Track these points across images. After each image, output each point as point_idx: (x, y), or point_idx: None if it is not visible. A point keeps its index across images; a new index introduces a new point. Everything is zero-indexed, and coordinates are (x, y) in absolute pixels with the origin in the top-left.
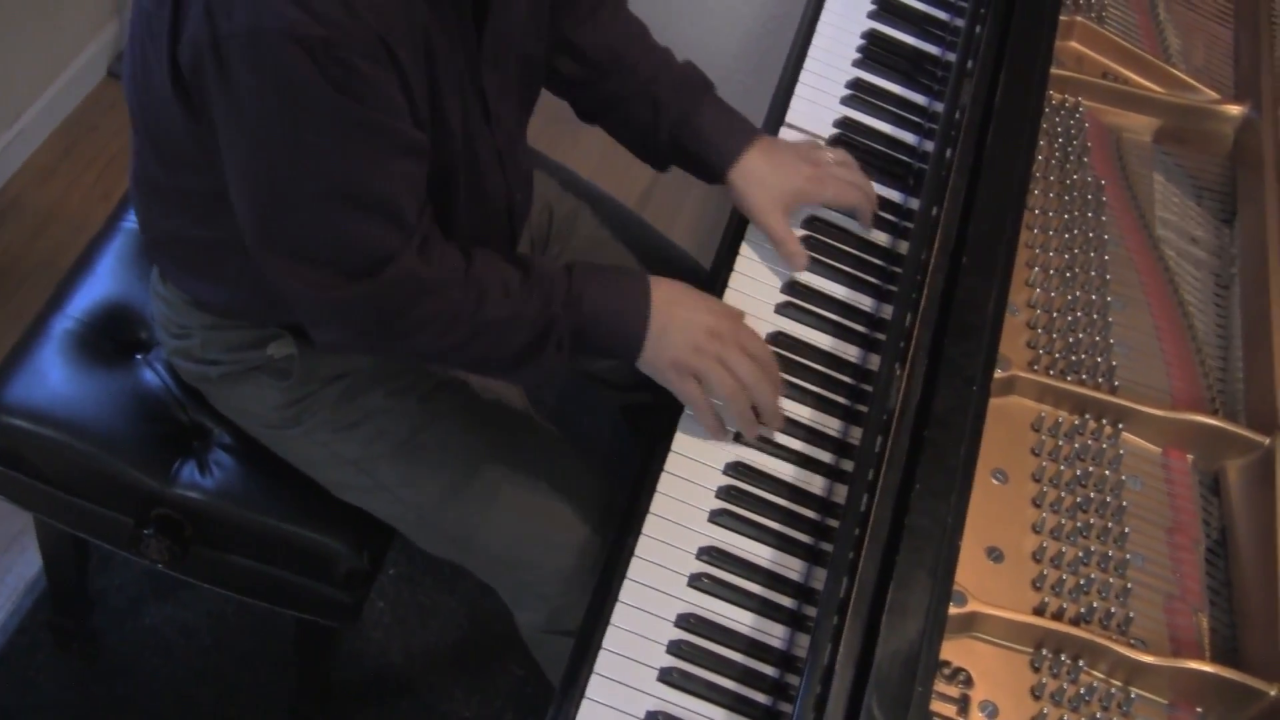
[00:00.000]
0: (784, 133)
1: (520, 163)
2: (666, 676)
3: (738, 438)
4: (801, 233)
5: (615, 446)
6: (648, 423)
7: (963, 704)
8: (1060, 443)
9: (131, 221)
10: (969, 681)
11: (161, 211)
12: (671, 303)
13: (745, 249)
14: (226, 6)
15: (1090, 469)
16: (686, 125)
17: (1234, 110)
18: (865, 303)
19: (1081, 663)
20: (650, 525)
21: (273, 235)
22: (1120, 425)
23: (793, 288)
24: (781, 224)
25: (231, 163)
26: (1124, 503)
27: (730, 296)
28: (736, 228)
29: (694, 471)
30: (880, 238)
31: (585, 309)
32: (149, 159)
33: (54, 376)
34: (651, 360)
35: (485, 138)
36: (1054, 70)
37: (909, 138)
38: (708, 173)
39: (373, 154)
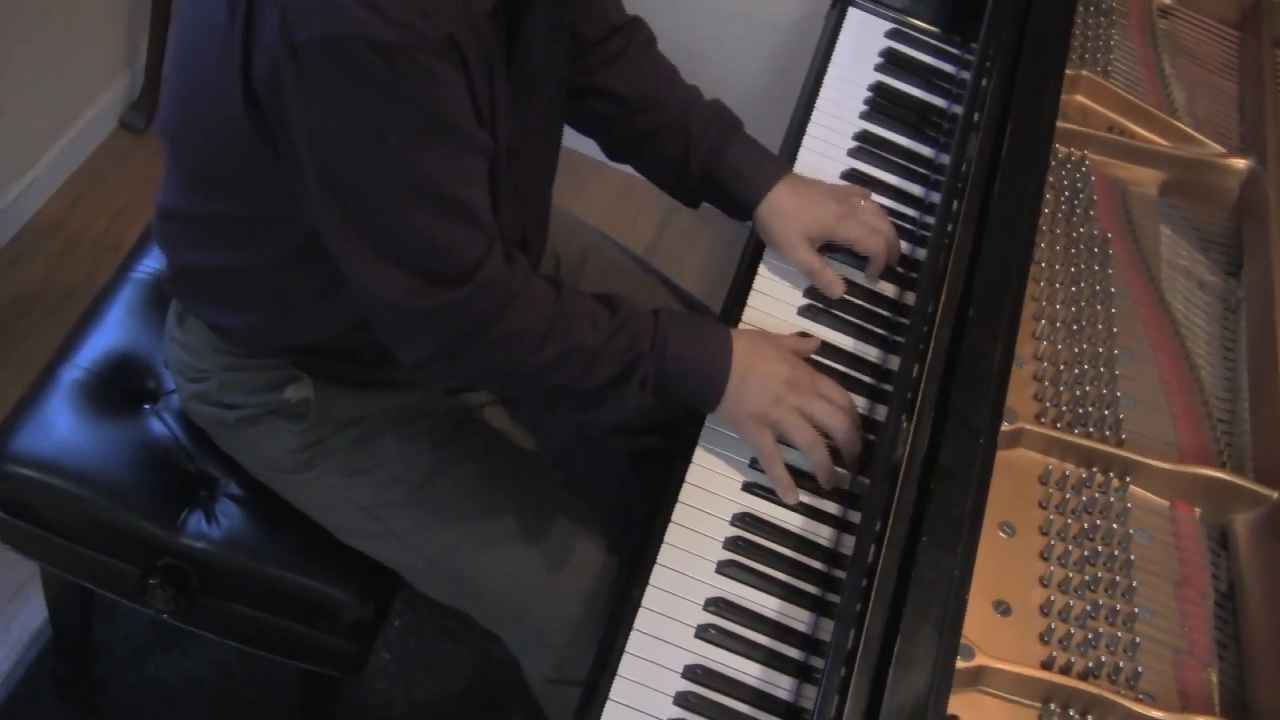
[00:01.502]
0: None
1: (538, 203)
2: None
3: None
4: (807, 285)
5: (622, 493)
6: (655, 469)
7: None
8: (1067, 496)
9: (141, 271)
10: None
11: (190, 242)
12: (751, 353)
13: (752, 298)
14: (302, 18)
15: (1098, 522)
16: (717, 160)
17: (1239, 163)
18: (872, 354)
19: (1090, 717)
20: (657, 576)
21: (365, 243)
22: (1127, 478)
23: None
24: (809, 254)
25: (312, 174)
26: (1132, 556)
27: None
28: (743, 277)
29: (701, 522)
30: (887, 289)
31: (669, 353)
32: (186, 189)
33: (61, 426)
34: (729, 410)
35: (506, 171)
36: (1060, 124)
37: (916, 189)
38: (737, 208)
39: (453, 156)
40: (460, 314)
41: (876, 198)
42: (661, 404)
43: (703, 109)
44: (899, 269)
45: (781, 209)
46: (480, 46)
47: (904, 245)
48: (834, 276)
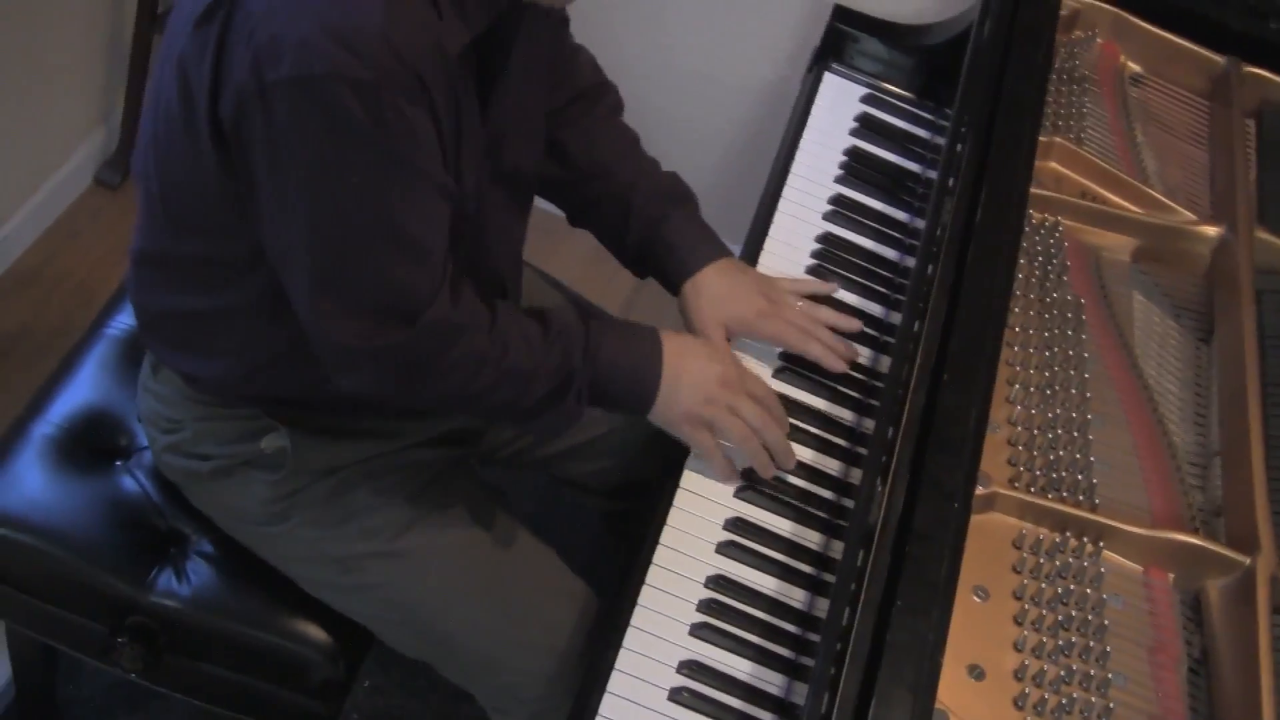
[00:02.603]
0: (768, 245)
1: (513, 253)
2: None
3: (748, 476)
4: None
5: (594, 551)
6: (627, 530)
7: None
8: (1041, 560)
9: (114, 327)
10: None
11: (164, 286)
12: (682, 355)
13: None
14: (274, 55)
15: (1071, 587)
16: (653, 232)
17: (1210, 231)
18: (847, 417)
19: None
20: (630, 639)
21: (317, 281)
22: (1101, 543)
23: None
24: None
25: (274, 213)
26: (1105, 621)
27: None
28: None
29: (675, 584)
30: (862, 353)
31: (602, 362)
32: (158, 231)
33: (31, 482)
34: (664, 412)
35: (482, 219)
36: (1033, 190)
37: (890, 254)
38: (667, 282)
39: (414, 197)
40: (404, 352)
41: (850, 259)
42: (600, 408)
43: (652, 181)
44: (873, 333)
45: (704, 291)
46: (448, 88)
47: (879, 311)
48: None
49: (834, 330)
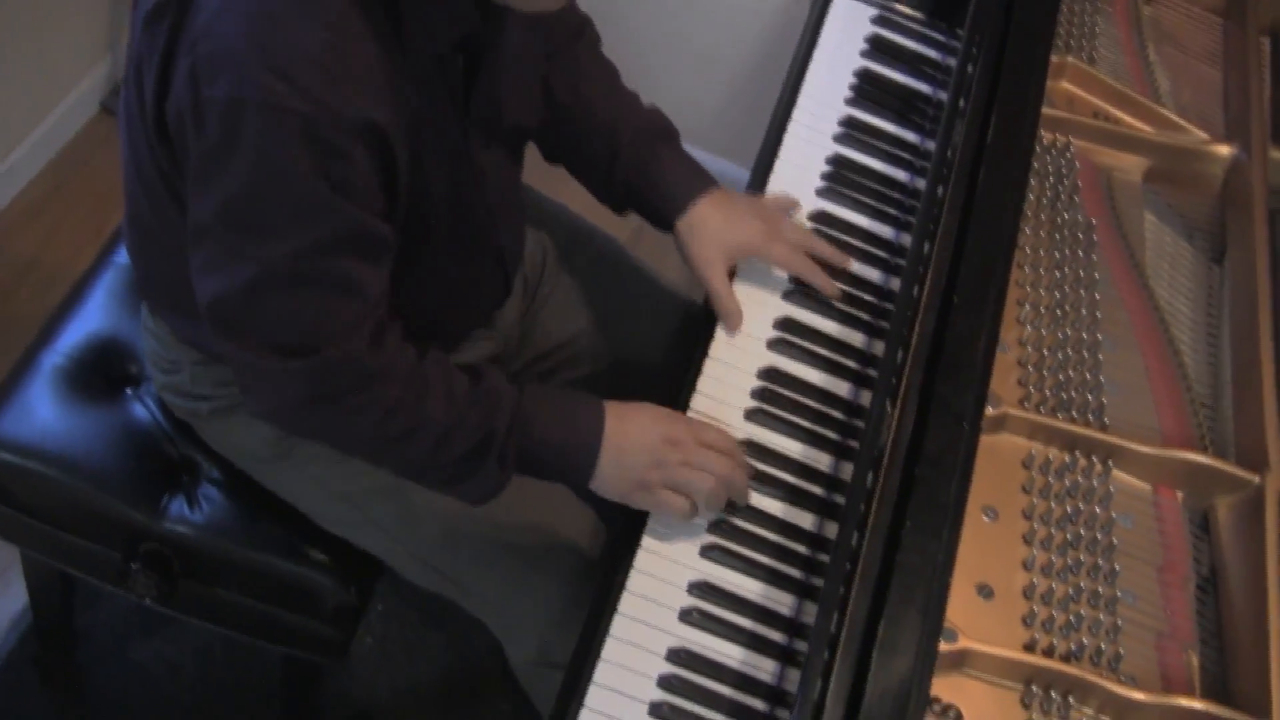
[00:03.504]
0: (777, 168)
1: (511, 212)
2: (657, 711)
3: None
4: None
5: None
6: None
7: None
8: (1051, 480)
9: (123, 256)
10: (959, 718)
11: (153, 250)
12: (623, 425)
13: (736, 285)
14: (211, 72)
15: (1081, 506)
16: (642, 169)
17: (1223, 151)
18: (857, 339)
19: (1072, 700)
20: (640, 560)
21: (215, 297)
22: (1110, 463)
23: (785, 323)
24: (720, 278)
25: (192, 225)
26: (1114, 540)
27: (722, 332)
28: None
29: None
30: (872, 274)
31: (535, 434)
32: (140, 197)
33: (43, 411)
34: (612, 485)
35: (474, 195)
36: (1045, 110)
37: (901, 175)
38: (658, 219)
39: (330, 237)
40: (303, 383)
41: (861, 181)
42: (534, 477)
43: (636, 117)
44: (884, 254)
45: (700, 225)
46: (402, 109)
47: (890, 233)
48: (735, 307)
49: (827, 267)
